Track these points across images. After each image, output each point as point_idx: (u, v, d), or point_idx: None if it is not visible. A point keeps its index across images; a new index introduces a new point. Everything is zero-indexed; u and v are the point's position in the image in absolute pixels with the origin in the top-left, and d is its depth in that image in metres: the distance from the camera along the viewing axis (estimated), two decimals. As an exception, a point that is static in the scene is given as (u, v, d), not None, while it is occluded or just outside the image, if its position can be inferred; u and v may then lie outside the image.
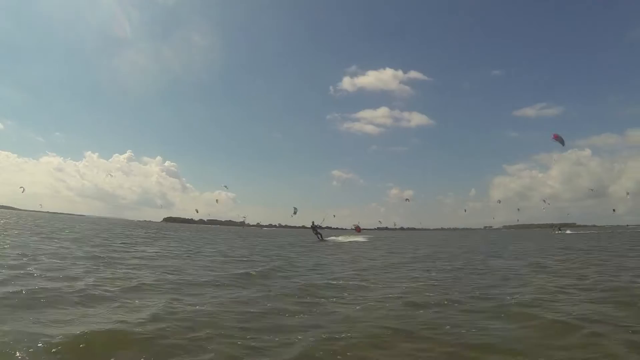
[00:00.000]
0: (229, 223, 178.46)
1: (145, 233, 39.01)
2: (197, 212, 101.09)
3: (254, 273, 11.14)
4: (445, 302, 7.30)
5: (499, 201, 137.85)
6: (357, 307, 6.94)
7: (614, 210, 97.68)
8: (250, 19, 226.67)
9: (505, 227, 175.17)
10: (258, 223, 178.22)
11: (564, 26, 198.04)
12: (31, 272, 9.23)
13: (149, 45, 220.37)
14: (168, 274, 10.47)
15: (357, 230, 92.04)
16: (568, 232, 68.47)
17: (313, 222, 37.60)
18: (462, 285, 9.56)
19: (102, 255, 13.94)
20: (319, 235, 36.25)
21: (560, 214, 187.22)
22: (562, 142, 46.70)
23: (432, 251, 23.51)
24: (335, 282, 9.79)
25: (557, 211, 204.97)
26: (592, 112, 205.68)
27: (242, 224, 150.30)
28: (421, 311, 6.64)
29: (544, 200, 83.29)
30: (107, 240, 23.42)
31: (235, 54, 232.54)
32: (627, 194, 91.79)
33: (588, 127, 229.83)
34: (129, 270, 10.75)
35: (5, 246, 15.02)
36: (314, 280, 10.14)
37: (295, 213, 58.58)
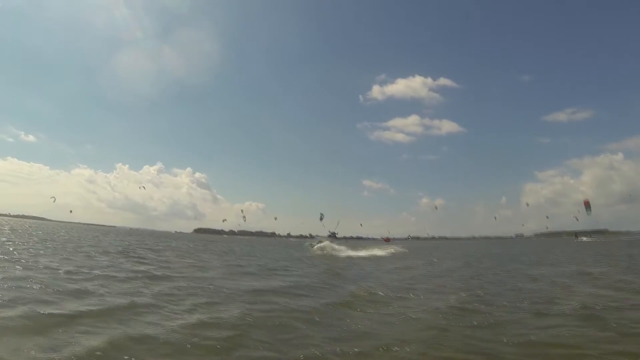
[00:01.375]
0: (260, 234, 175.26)
1: (190, 246, 39.30)
2: (224, 221, 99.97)
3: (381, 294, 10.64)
4: None
5: (527, 204, 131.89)
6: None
7: None
8: (281, 27, 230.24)
9: (536, 234, 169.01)
10: (288, 233, 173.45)
11: (592, 29, 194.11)
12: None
13: (174, 55, 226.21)
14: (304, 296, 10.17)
15: (386, 240, 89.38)
16: (585, 239, 68.58)
17: (330, 232, 33.93)
18: None
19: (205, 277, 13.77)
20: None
21: (591, 221, 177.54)
22: (588, 208, 47.30)
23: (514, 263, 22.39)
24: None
25: (589, 217, 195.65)
26: (623, 114, 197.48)
27: (272, 234, 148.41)
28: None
29: (576, 218, 78.93)
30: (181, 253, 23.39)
31: (265, 64, 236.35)
32: None
33: (620, 130, 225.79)
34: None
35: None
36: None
37: (322, 219, 57.12)
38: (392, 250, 34.54)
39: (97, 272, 11.99)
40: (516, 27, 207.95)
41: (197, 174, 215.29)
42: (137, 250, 24.57)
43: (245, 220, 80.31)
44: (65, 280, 9.92)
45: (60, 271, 11.47)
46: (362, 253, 29.66)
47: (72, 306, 7.09)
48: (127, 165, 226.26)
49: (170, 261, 18.32)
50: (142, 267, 14.53)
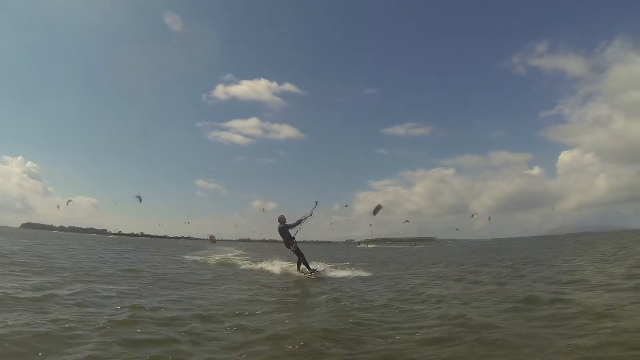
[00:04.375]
0: (91, 230, 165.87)
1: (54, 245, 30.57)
2: (59, 208, 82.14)
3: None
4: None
5: (347, 206, 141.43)
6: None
7: (457, 229, 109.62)
8: (135, 17, 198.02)
9: (366, 240, 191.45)
10: (119, 231, 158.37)
11: (438, 50, 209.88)
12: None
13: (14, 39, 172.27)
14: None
15: (212, 240, 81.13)
16: (369, 246, 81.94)
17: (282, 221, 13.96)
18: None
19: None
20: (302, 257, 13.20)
21: (420, 228, 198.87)
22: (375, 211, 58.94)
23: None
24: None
25: (419, 225, 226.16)
26: (459, 134, 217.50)
27: (103, 232, 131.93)
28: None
29: (407, 221, 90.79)
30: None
31: (110, 51, 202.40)
32: (472, 215, 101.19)
33: (454, 148, 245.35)
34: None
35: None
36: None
37: (140, 200, 61.19)
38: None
39: None
40: (366, 41, 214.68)
41: (29, 164, 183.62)
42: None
43: (66, 211, 73.90)
44: None
45: None
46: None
47: None
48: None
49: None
50: None
